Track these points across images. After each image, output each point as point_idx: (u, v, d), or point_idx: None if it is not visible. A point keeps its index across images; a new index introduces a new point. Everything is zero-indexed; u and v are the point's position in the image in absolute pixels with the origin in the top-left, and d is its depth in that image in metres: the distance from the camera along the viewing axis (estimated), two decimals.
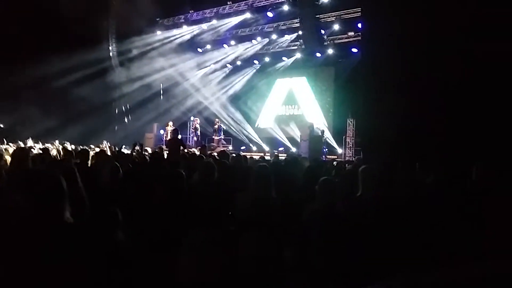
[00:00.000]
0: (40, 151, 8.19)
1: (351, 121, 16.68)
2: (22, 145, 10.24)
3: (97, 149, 9.88)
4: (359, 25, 16.27)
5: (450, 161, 6.54)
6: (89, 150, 8.42)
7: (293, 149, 17.98)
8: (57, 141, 12.43)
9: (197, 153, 10.44)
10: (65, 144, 11.54)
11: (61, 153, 9.03)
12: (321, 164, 7.30)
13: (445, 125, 10.62)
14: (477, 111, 9.92)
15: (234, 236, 3.57)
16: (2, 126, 17.93)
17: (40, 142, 11.99)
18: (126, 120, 23.17)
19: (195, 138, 18.91)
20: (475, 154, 8.00)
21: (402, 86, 11.56)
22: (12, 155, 4.90)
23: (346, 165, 7.89)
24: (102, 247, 2.81)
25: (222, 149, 13.97)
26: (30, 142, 11.27)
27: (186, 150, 10.63)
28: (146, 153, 9.01)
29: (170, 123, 18.45)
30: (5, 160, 7.34)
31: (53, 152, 9.22)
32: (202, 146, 11.75)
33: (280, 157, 10.52)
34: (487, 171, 4.95)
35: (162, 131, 20.13)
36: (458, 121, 10.36)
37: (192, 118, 20.25)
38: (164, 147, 11.82)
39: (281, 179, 4.60)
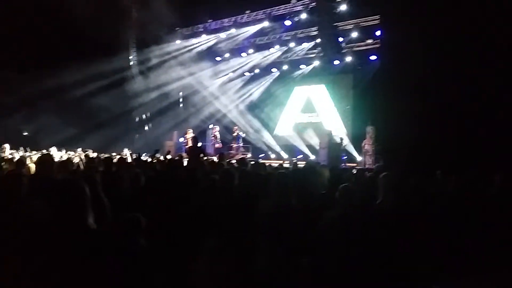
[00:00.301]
0: (63, 159, 8.34)
1: (370, 129, 16.56)
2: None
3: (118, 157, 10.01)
4: (378, 33, 16.24)
5: (471, 168, 6.44)
6: (112, 157, 8.56)
7: (312, 157, 17.91)
8: (79, 149, 12.66)
9: (216, 160, 10.49)
10: (87, 152, 11.73)
11: (84, 160, 9.20)
12: (341, 172, 7.26)
13: (466, 131, 10.48)
14: (500, 117, 9.78)
15: (252, 244, 3.58)
16: (25, 133, 18.36)
17: (63, 150, 12.21)
18: (146, 128, 23.46)
19: (216, 145, 18.98)
20: (497, 161, 7.88)
21: (421, 93, 11.46)
22: (37, 162, 5.02)
23: (366, 172, 7.82)
24: (124, 253, 2.86)
25: (241, 157, 14.03)
26: (53, 150, 11.49)
27: (205, 158, 10.70)
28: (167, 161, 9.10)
29: (190, 131, 18.58)
30: (28, 167, 7.50)
31: (76, 160, 9.40)
32: (221, 154, 11.81)
33: (299, 165, 10.49)
34: (509, 179, 4.87)
35: (181, 139, 20.30)
36: (479, 127, 10.22)
37: (210, 126, 20.40)
38: (184, 154, 11.91)
39: (301, 187, 4.60)
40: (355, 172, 8.40)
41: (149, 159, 8.89)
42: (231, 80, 22.72)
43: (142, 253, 3.01)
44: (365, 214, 3.77)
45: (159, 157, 8.59)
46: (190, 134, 17.66)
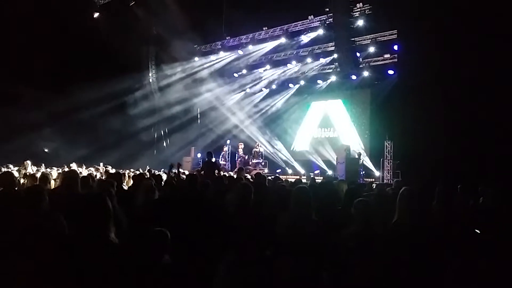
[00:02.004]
0: (84, 175, 8.45)
1: (388, 144, 16.44)
2: (67, 169, 10.59)
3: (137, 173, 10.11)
4: (395, 47, 16.23)
5: (494, 183, 6.32)
6: (121, 173, 8.65)
7: (329, 172, 17.85)
8: (101, 164, 12.85)
9: (234, 176, 10.53)
10: (107, 168, 11.88)
11: (103, 176, 9.31)
12: (357, 186, 7.20)
13: (486, 146, 10.33)
14: None
15: (270, 260, 3.57)
16: (46, 150, 18.67)
17: (83, 166, 12.39)
18: (164, 144, 23.71)
19: (244, 161, 19.06)
20: None
21: (439, 108, 11.38)
22: (64, 177, 5.12)
23: (387, 188, 7.70)
24: (148, 269, 2.87)
25: (257, 172, 14.04)
26: (73, 166, 11.66)
27: (221, 173, 10.73)
28: (184, 176, 9.15)
29: (225, 148, 18.90)
30: (50, 184, 7.60)
31: (98, 175, 9.53)
32: (239, 169, 11.84)
33: (316, 180, 10.46)
34: None
35: (199, 155, 20.51)
36: (500, 142, 10.07)
37: (228, 141, 20.70)
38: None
39: (320, 201, 4.59)
40: (374, 187, 8.32)
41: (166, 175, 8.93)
42: (248, 96, 22.89)
43: (166, 270, 2.98)
44: (382, 230, 3.72)
45: (176, 172, 8.63)
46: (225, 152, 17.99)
